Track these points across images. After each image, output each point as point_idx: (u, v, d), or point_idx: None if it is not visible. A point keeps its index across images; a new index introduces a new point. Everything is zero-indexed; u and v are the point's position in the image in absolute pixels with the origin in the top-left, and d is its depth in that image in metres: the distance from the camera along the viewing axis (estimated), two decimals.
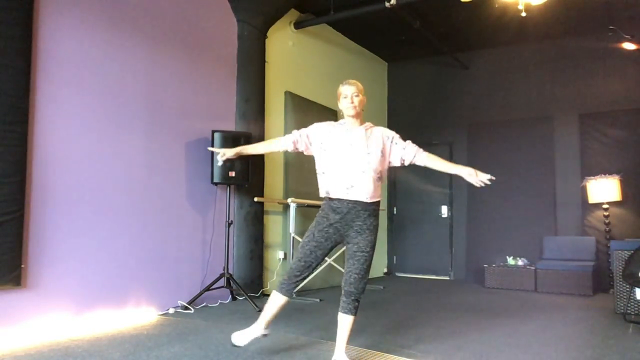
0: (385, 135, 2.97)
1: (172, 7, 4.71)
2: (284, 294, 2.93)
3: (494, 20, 6.20)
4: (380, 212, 3.01)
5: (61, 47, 3.76)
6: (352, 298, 2.81)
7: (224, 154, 3.08)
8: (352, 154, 2.85)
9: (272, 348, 3.20)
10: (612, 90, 6.69)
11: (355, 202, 2.81)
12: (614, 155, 6.58)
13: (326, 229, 2.85)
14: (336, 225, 2.84)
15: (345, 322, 2.83)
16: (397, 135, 2.99)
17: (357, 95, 2.91)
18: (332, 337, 3.03)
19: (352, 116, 2.92)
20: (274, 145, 3.14)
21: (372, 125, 2.99)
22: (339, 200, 2.83)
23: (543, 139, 7.09)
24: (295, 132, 3.05)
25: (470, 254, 7.46)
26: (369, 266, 2.84)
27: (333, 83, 7.05)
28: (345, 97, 2.91)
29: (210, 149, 3.53)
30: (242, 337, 3.01)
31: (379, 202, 2.90)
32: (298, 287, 2.96)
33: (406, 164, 2.98)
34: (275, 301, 2.95)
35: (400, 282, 7.12)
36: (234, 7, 5.35)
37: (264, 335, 3.04)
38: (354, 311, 2.83)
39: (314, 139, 2.98)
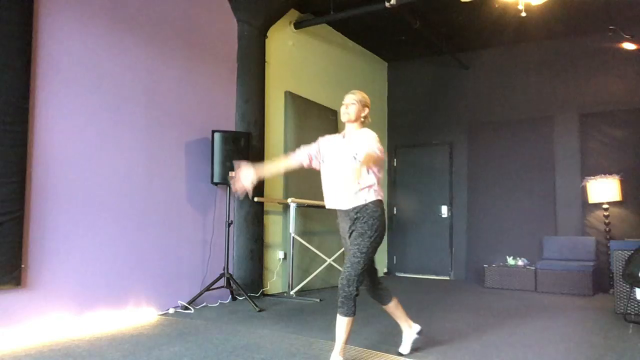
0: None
1: (172, 7, 4.71)
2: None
3: (494, 20, 6.20)
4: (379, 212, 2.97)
5: (61, 47, 3.76)
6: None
7: (247, 187, 2.96)
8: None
9: (273, 348, 3.20)
10: (612, 90, 6.69)
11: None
12: (614, 155, 6.58)
13: None
14: None
15: (337, 321, 2.85)
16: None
17: (353, 104, 2.99)
18: (332, 337, 3.03)
19: (345, 122, 3.02)
20: (291, 160, 3.16)
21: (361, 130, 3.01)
22: None
23: (543, 139, 7.09)
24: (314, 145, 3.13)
25: (470, 254, 7.46)
26: (352, 264, 2.83)
27: (333, 83, 7.12)
28: (343, 104, 3.03)
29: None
30: (404, 347, 3.18)
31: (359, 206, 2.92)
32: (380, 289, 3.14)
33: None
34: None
35: (400, 282, 7.12)
36: (234, 7, 5.35)
37: (419, 333, 3.19)
38: (339, 310, 2.81)
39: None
